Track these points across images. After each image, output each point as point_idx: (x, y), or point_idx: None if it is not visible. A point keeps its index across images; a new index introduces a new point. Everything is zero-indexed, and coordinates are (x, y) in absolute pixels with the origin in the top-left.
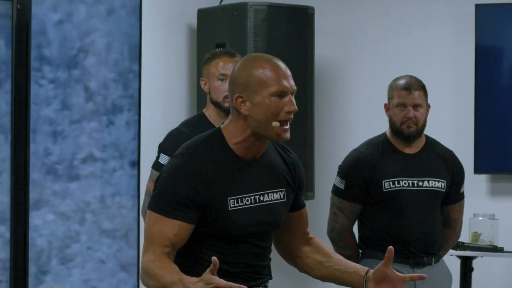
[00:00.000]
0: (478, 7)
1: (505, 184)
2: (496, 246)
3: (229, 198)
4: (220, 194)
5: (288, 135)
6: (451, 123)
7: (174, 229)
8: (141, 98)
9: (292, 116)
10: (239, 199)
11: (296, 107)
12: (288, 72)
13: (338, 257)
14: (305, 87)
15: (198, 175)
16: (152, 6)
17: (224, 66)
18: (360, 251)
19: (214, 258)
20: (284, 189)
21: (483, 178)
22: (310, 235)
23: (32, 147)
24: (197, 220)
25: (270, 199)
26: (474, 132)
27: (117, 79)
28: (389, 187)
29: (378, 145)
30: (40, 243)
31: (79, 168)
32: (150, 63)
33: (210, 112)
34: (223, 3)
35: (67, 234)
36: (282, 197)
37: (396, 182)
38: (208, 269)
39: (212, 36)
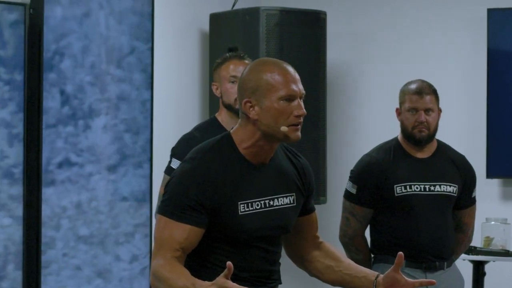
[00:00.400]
0: (490, 11)
1: None
2: (508, 251)
3: (239, 203)
4: (230, 198)
5: (298, 134)
6: (464, 127)
7: (184, 233)
8: (153, 103)
9: (301, 119)
10: (249, 204)
11: (304, 110)
12: (297, 76)
13: (348, 261)
14: (317, 91)
15: (208, 179)
16: (164, 11)
17: (235, 68)
18: (372, 255)
19: (229, 263)
20: (294, 194)
21: (495, 182)
22: (320, 239)
23: None
24: (207, 225)
25: (280, 203)
26: (487, 136)
27: (94, 82)
28: (401, 191)
29: (390, 149)
30: None
31: (54, 173)
32: (163, 68)
33: (222, 116)
34: (235, 7)
35: (43, 240)
36: (291, 201)
37: (408, 186)
38: (222, 273)
39: (224, 41)
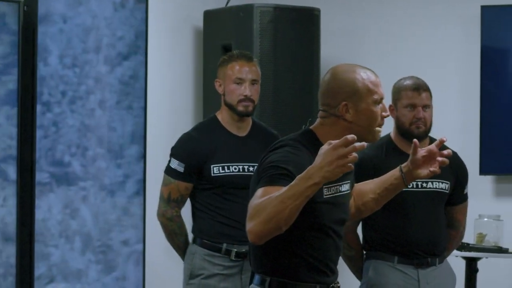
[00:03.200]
0: (483, 8)
1: (511, 185)
2: (501, 247)
3: (324, 187)
4: None
5: None
6: (457, 124)
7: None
8: (147, 100)
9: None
10: (329, 188)
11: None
12: None
13: (369, 186)
14: (311, 88)
15: (301, 162)
16: (158, 8)
17: (241, 69)
18: (364, 252)
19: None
20: (349, 181)
21: (488, 179)
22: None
23: None
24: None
25: (345, 189)
26: (480, 133)
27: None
28: None
29: (382, 146)
30: None
31: None
32: (157, 65)
33: (223, 115)
34: (229, 4)
35: None
36: (349, 188)
37: None
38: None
39: (218, 38)
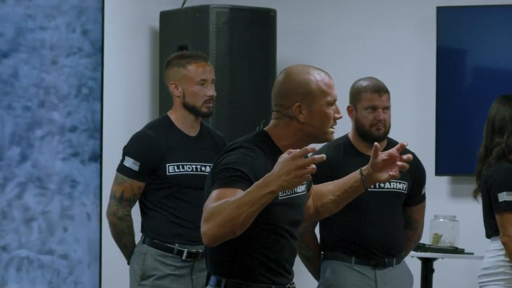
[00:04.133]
0: (439, 9)
1: (466, 185)
2: (456, 248)
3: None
4: None
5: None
6: (413, 125)
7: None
8: (103, 101)
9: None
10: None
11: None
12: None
13: (328, 187)
14: (267, 89)
15: (258, 166)
16: (115, 8)
17: (202, 70)
18: (322, 252)
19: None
20: (305, 182)
21: (444, 180)
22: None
23: None
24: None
25: (301, 190)
26: (436, 134)
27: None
28: None
29: (340, 147)
30: None
31: None
32: (113, 66)
33: (177, 115)
34: (185, 5)
35: None
36: (304, 189)
37: None
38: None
39: (174, 39)
